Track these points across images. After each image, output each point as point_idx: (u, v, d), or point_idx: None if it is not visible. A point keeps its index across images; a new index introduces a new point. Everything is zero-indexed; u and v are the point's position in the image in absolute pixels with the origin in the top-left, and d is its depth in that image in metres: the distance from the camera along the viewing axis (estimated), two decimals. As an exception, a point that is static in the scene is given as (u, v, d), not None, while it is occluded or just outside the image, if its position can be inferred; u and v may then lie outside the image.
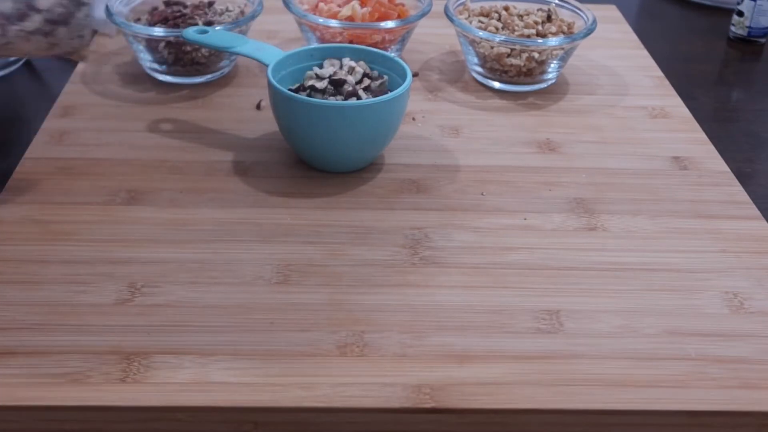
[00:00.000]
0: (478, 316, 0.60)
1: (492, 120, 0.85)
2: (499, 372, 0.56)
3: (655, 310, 0.61)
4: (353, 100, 0.72)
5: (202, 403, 0.53)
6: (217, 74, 0.89)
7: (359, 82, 0.76)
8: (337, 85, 0.75)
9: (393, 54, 0.80)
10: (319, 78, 0.76)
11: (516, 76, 0.89)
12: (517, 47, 0.86)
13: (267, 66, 0.75)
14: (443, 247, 0.67)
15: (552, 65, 0.89)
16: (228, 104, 0.85)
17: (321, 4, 0.92)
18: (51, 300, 0.60)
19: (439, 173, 0.75)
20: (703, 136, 0.84)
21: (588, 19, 0.91)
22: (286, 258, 0.65)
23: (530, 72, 0.89)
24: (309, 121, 0.71)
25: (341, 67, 0.78)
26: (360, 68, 0.77)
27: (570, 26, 0.91)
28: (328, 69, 0.77)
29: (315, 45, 0.84)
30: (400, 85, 0.75)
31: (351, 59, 0.79)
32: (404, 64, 0.76)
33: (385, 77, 0.78)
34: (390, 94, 0.72)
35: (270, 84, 0.73)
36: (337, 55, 0.79)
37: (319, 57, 0.79)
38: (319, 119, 0.71)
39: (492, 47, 0.87)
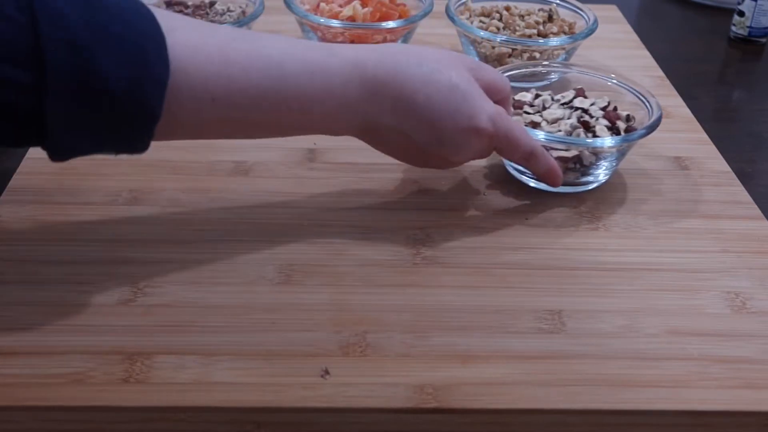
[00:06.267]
0: (480, 316, 0.60)
1: (493, 120, 0.85)
2: (501, 372, 0.56)
3: (656, 310, 0.61)
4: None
5: (204, 403, 0.53)
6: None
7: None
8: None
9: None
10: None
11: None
12: (519, 47, 0.86)
13: None
14: (445, 247, 0.67)
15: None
16: (229, 104, 0.85)
17: (322, 4, 0.92)
18: (53, 300, 0.60)
19: (441, 173, 0.75)
20: (704, 136, 0.84)
21: (589, 19, 0.91)
22: (288, 258, 0.65)
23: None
24: None
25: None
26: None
27: (571, 26, 0.91)
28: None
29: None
30: None
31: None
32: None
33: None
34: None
35: None
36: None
37: None
38: None
39: (493, 47, 0.87)
